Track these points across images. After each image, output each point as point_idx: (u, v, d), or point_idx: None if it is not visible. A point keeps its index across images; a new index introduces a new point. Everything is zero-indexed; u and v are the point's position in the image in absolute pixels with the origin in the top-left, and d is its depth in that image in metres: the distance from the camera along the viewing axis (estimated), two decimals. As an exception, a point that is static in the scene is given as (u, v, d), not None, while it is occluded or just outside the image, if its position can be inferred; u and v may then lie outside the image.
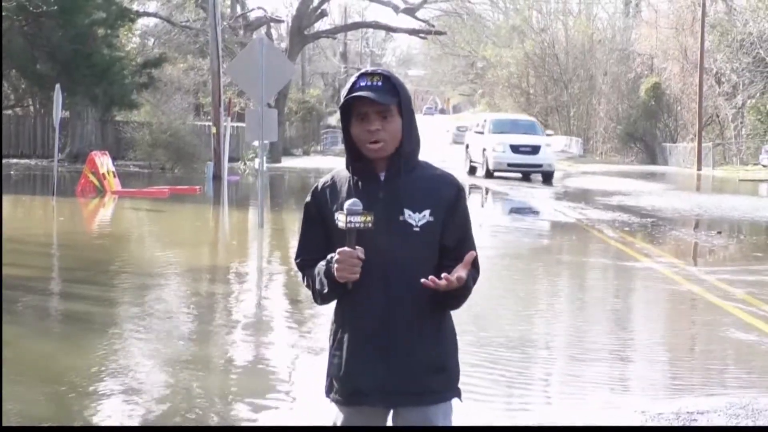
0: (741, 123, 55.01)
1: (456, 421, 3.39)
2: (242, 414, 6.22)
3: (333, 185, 3.37)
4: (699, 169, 47.92)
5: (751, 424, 5.92)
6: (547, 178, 33.42)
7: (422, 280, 3.16)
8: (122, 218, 19.70)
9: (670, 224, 19.17)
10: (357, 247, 3.17)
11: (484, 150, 33.88)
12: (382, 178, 3.30)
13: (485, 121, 36.70)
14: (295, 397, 6.54)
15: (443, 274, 3.15)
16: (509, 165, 33.30)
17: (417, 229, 3.26)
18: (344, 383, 3.32)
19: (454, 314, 3.38)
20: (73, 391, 6.48)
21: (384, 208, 3.23)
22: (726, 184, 37.70)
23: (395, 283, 3.26)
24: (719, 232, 17.54)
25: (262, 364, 7.51)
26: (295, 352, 7.85)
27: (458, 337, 3.41)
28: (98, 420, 6.00)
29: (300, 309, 9.59)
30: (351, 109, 3.27)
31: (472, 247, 3.36)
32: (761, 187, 34.71)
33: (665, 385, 7.13)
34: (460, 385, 3.37)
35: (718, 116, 57.32)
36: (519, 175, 34.45)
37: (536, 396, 6.77)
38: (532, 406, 6.46)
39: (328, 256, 3.26)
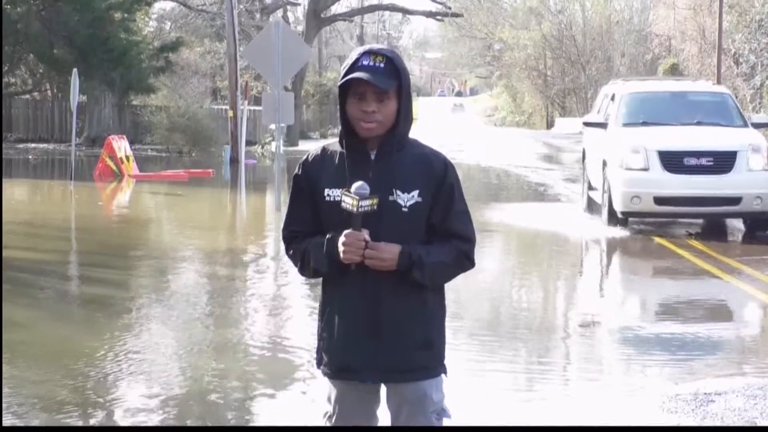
0: (759, 103, 54.63)
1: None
2: (261, 396, 6.25)
3: (323, 159, 3.40)
4: (718, 150, 47.61)
5: (769, 405, 5.91)
6: (757, 224, 13.92)
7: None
8: (140, 202, 19.76)
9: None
10: (363, 229, 3.20)
11: (604, 165, 14.35)
12: (373, 156, 3.33)
13: (612, 97, 15.80)
14: (314, 379, 6.56)
15: (370, 242, 3.23)
16: (658, 200, 13.53)
17: (405, 209, 3.30)
18: (334, 358, 3.40)
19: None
20: (90, 374, 6.52)
21: (373, 188, 3.26)
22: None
23: None
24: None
25: (281, 346, 7.53)
26: (313, 334, 7.86)
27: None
28: (114, 403, 6.03)
29: (318, 292, 9.61)
30: (349, 86, 3.29)
31: (463, 224, 3.38)
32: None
33: (683, 366, 7.10)
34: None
35: (736, 97, 56.94)
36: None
37: (554, 377, 6.77)
38: (549, 388, 6.46)
39: (328, 235, 3.29)
